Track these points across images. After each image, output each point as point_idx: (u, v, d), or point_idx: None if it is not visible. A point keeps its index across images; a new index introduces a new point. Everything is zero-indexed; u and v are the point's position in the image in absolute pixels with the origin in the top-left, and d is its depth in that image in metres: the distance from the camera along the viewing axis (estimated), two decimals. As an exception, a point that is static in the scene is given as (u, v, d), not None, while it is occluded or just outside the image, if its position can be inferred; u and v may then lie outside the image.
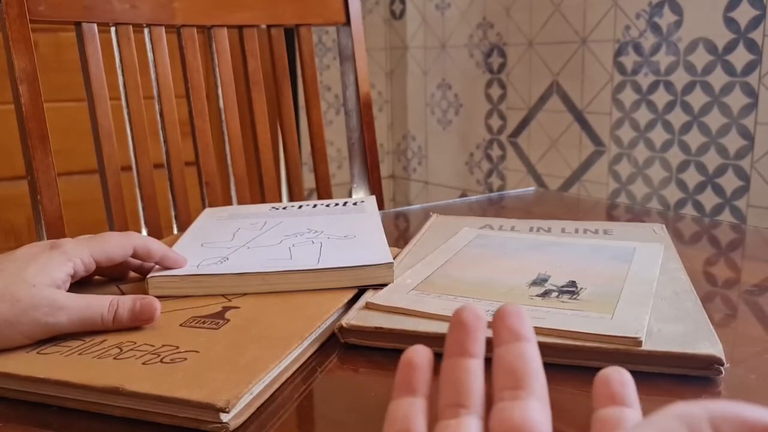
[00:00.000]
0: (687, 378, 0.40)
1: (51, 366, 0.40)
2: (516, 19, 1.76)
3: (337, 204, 0.74)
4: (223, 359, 0.40)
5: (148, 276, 0.52)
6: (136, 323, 0.46)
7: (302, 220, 0.68)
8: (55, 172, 0.78)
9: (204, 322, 0.46)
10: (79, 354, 0.42)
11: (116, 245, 0.51)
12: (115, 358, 0.41)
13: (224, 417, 0.35)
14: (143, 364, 0.40)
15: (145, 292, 0.52)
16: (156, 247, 0.53)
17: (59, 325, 0.44)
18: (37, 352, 0.42)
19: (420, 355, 0.29)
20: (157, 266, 0.54)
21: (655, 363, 0.41)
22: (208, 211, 0.75)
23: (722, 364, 0.39)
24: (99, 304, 0.45)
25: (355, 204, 0.73)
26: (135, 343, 0.43)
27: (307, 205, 0.75)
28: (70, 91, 1.39)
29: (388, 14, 2.16)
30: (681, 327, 0.43)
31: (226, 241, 0.62)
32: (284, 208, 0.74)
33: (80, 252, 0.49)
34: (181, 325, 0.46)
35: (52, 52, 1.55)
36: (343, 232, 0.63)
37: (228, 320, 0.47)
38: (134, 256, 0.53)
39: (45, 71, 0.82)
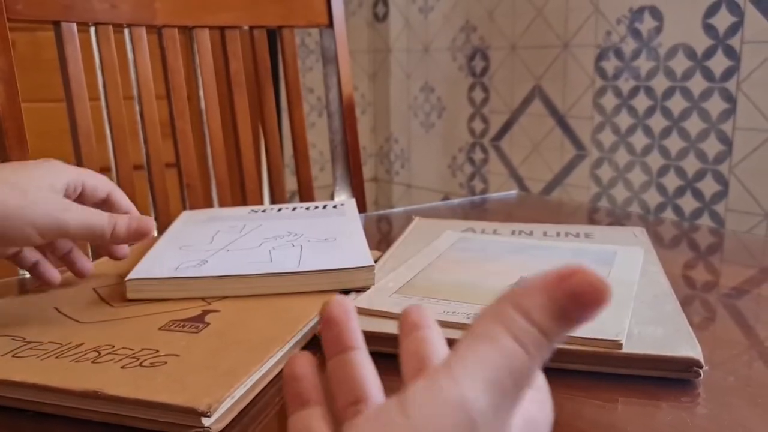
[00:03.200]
0: (666, 380, 0.40)
1: (27, 369, 0.40)
2: (499, 23, 1.77)
3: (317, 207, 0.74)
4: (204, 363, 0.40)
5: (126, 278, 0.52)
6: (133, 240, 0.48)
7: (282, 223, 0.68)
8: (33, 173, 0.77)
9: (184, 326, 0.46)
10: (56, 357, 0.41)
11: (101, 179, 0.52)
12: (93, 362, 0.40)
13: (206, 421, 0.35)
14: (122, 367, 0.39)
15: (124, 295, 0.51)
16: (125, 202, 0.54)
17: (68, 226, 0.46)
18: (13, 355, 0.42)
19: (300, 364, 0.28)
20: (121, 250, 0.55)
21: (635, 366, 0.41)
22: (186, 213, 0.75)
23: (701, 367, 0.40)
24: (100, 215, 0.47)
25: (335, 207, 0.73)
26: (113, 346, 0.43)
27: (287, 208, 0.74)
28: (48, 91, 1.37)
29: (371, 17, 2.16)
30: (660, 330, 0.44)
31: (205, 244, 0.61)
32: (263, 211, 0.73)
33: (72, 171, 0.50)
34: (160, 328, 0.46)
35: (31, 52, 1.53)
36: (323, 235, 0.62)
37: (208, 324, 0.46)
38: (106, 202, 0.53)
39: (23, 71, 0.81)
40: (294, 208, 0.73)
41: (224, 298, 0.51)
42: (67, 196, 0.49)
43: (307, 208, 0.73)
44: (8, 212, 0.44)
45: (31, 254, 0.53)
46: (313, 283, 0.52)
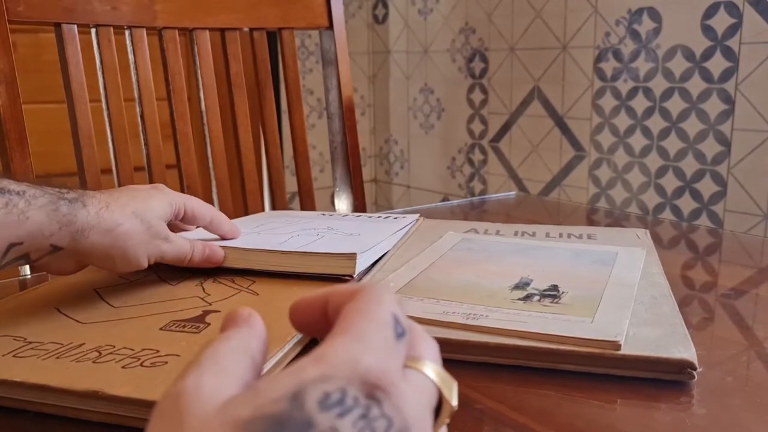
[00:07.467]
0: (665, 381, 0.41)
1: (28, 369, 0.40)
2: (498, 25, 1.77)
3: (380, 216, 0.76)
4: (204, 363, 0.40)
5: None
6: (205, 265, 0.56)
7: (331, 221, 0.71)
8: (34, 175, 0.77)
9: (184, 326, 0.46)
10: (57, 357, 0.41)
11: (203, 207, 0.57)
12: (93, 362, 0.41)
13: (205, 421, 0.35)
14: (123, 367, 0.40)
15: (124, 295, 0.52)
16: (226, 227, 0.60)
17: (166, 255, 0.52)
18: (14, 356, 0.42)
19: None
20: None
21: (630, 367, 0.41)
22: (268, 212, 0.82)
23: (695, 369, 0.40)
24: (186, 245, 0.54)
25: (395, 218, 0.75)
26: (114, 347, 0.43)
27: (356, 214, 0.78)
28: (49, 93, 1.37)
29: (371, 18, 2.16)
30: (657, 331, 0.44)
31: (251, 228, 0.66)
32: (331, 215, 0.77)
33: (179, 200, 0.54)
34: (161, 329, 0.46)
35: (32, 53, 1.53)
36: (351, 230, 0.66)
37: (209, 324, 0.46)
38: (209, 225, 0.59)
39: (24, 72, 0.81)
40: (359, 215, 0.77)
41: (225, 299, 0.52)
42: (170, 218, 0.54)
43: (370, 216, 0.76)
44: (132, 242, 0.49)
45: None
46: (297, 264, 0.55)
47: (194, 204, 0.56)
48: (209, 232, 0.59)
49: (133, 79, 0.88)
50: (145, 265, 0.51)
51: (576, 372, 0.42)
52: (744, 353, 0.45)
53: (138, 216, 0.50)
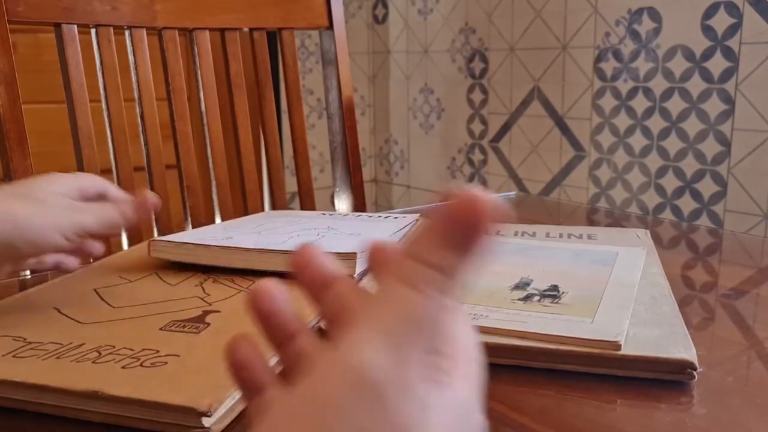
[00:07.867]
0: (665, 381, 0.41)
1: (28, 369, 0.40)
2: (498, 25, 1.77)
3: (380, 216, 0.76)
4: (205, 363, 0.40)
5: (150, 240, 0.58)
6: (144, 213, 0.51)
7: (331, 221, 0.71)
8: (34, 175, 0.77)
9: (184, 326, 0.46)
10: (57, 357, 0.41)
11: (94, 180, 0.54)
12: (93, 362, 0.41)
13: (206, 421, 0.35)
14: (123, 368, 0.40)
15: (124, 296, 0.52)
16: (121, 197, 0.56)
17: (86, 223, 0.48)
18: (14, 356, 0.42)
19: (244, 351, 0.27)
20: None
21: (630, 367, 0.41)
22: (268, 212, 0.82)
23: (695, 369, 0.40)
24: (107, 208, 0.50)
25: (395, 218, 0.75)
26: (114, 347, 0.43)
27: (358, 214, 0.78)
28: (49, 93, 1.37)
29: (371, 18, 2.16)
30: (656, 331, 0.44)
31: (251, 228, 0.67)
32: (331, 215, 0.77)
33: (70, 178, 0.52)
34: (161, 329, 0.46)
35: (31, 53, 1.53)
36: (351, 230, 0.66)
37: (209, 324, 0.46)
38: (101, 199, 0.55)
39: (24, 72, 0.81)
40: (359, 215, 0.77)
41: (225, 299, 0.52)
42: (75, 190, 0.52)
43: (370, 216, 0.76)
44: (27, 222, 0.46)
45: (50, 258, 0.56)
46: None
47: (85, 180, 0.53)
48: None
49: (133, 79, 0.88)
50: (62, 242, 0.47)
51: (576, 372, 0.42)
52: (744, 353, 0.45)
53: (23, 196, 0.46)
